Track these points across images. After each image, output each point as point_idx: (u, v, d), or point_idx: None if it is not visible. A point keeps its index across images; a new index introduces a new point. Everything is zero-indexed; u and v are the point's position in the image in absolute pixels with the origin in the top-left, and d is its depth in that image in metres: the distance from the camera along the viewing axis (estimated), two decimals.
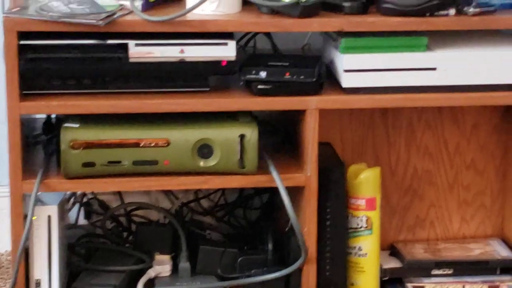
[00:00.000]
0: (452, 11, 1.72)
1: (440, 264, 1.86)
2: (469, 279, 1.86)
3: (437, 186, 1.96)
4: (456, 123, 1.95)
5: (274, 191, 1.85)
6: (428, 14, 1.71)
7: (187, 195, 2.04)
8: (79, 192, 2.00)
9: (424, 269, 1.86)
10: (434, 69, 1.73)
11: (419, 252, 1.91)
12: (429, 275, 1.86)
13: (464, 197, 1.97)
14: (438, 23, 1.71)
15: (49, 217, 1.74)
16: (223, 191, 2.04)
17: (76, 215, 2.02)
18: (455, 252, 1.92)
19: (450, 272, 1.87)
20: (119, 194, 2.02)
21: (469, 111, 1.94)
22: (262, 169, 1.72)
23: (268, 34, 1.89)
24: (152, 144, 1.69)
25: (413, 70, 1.73)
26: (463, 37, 1.81)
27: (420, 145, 1.95)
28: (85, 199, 2.02)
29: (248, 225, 2.03)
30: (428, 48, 1.74)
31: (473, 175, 1.97)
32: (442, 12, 1.72)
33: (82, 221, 2.03)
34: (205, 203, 2.04)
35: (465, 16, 1.72)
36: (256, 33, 1.91)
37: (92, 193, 2.02)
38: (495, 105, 1.89)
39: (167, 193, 2.03)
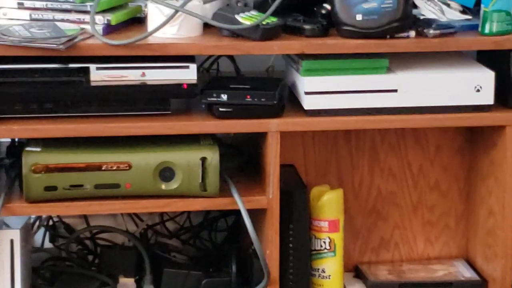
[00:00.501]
0: (412, 33, 1.73)
1: (404, 286, 1.86)
2: None
3: (401, 208, 1.97)
4: (419, 145, 1.95)
5: (239, 213, 1.86)
6: (388, 36, 1.72)
7: (152, 217, 2.04)
8: (44, 216, 1.99)
9: None
10: (395, 90, 1.74)
11: (383, 274, 1.91)
12: None
13: (429, 218, 1.98)
14: (398, 45, 1.72)
15: (11, 241, 1.73)
16: (189, 213, 2.03)
17: (41, 238, 2.01)
18: (419, 273, 1.92)
19: None
20: (84, 217, 2.01)
21: (432, 133, 1.95)
22: (224, 191, 1.72)
23: (231, 57, 1.90)
24: (114, 168, 1.69)
25: (374, 92, 1.74)
26: (424, 58, 1.82)
27: (384, 167, 1.95)
28: (50, 222, 2.01)
29: (213, 247, 2.02)
30: (389, 70, 1.75)
31: (437, 196, 1.97)
32: (402, 34, 1.73)
33: (47, 244, 2.02)
34: (170, 225, 2.04)
35: (425, 38, 1.73)
36: (219, 56, 1.91)
37: (58, 216, 2.01)
38: (458, 126, 1.90)
39: (132, 216, 2.03)
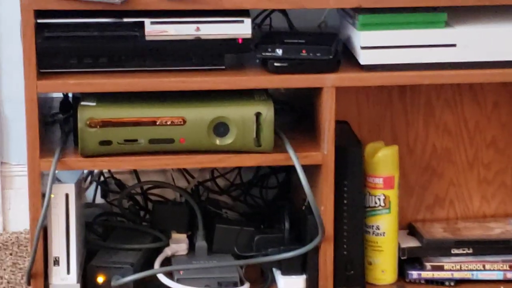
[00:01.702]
0: None
1: (459, 243, 1.85)
2: (489, 258, 1.84)
3: (457, 165, 1.95)
4: (476, 101, 1.93)
5: (291, 169, 1.85)
6: None
7: (203, 174, 2.03)
8: (96, 171, 2.00)
9: (443, 249, 1.85)
10: (454, 45, 1.71)
11: (438, 232, 1.90)
12: (449, 255, 1.85)
13: (485, 175, 1.95)
14: None
15: (66, 195, 1.74)
16: (239, 170, 2.03)
17: (93, 194, 2.02)
18: (475, 231, 1.90)
19: (470, 251, 1.85)
20: (135, 173, 2.02)
21: (490, 89, 1.92)
22: (278, 147, 1.71)
23: (284, 12, 1.88)
24: (168, 123, 1.69)
25: (432, 47, 1.71)
26: (483, 12, 1.79)
27: (439, 123, 1.93)
28: (102, 178, 2.02)
29: (264, 204, 2.02)
30: (447, 24, 1.72)
31: (494, 153, 1.94)
32: None
33: (99, 200, 2.03)
34: (221, 182, 2.04)
35: None
36: (272, 11, 1.89)
37: (109, 172, 2.02)
38: None
39: (183, 172, 2.03)
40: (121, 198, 1.95)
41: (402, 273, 1.84)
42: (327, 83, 1.69)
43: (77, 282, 1.75)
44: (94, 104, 1.69)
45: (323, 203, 1.73)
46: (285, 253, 1.74)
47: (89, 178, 2.00)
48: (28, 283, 1.71)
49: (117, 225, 1.93)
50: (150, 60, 1.70)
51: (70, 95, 1.88)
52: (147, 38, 1.67)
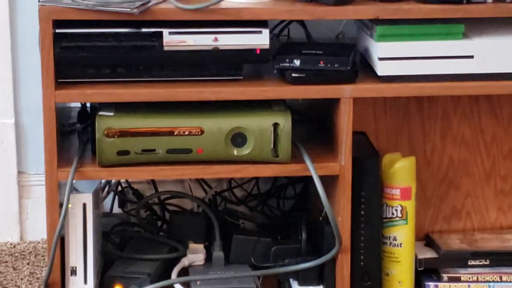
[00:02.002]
0: None
1: (476, 255, 1.84)
2: (506, 270, 1.84)
3: (474, 176, 1.94)
4: (493, 112, 1.92)
5: (308, 180, 1.85)
6: (465, 1, 1.69)
7: (220, 184, 2.04)
8: (113, 181, 2.00)
9: (460, 260, 1.84)
10: (471, 57, 1.71)
11: (455, 243, 1.89)
12: (466, 266, 1.84)
13: (501, 187, 1.95)
14: (474, 11, 1.69)
15: (84, 205, 1.75)
16: (257, 180, 2.03)
17: (110, 203, 2.03)
18: (492, 242, 1.89)
19: (486, 262, 1.84)
20: (153, 182, 2.02)
21: (507, 100, 1.92)
22: (295, 158, 1.72)
23: (302, 23, 1.88)
24: (186, 133, 1.69)
25: (449, 58, 1.71)
26: (501, 24, 1.79)
27: (456, 135, 1.93)
28: (119, 188, 2.03)
29: (281, 214, 2.02)
30: (464, 35, 1.72)
31: (511, 165, 1.94)
32: None
33: (116, 209, 2.03)
34: (238, 192, 2.04)
35: (502, 3, 1.70)
36: (290, 22, 1.90)
37: (127, 181, 2.03)
38: None
39: (201, 182, 2.03)
40: (138, 208, 1.95)
41: (419, 284, 1.84)
42: (345, 94, 1.69)
43: None
44: (112, 114, 1.70)
45: (340, 214, 1.73)
46: (302, 263, 1.74)
47: (106, 188, 2.01)
48: None
49: (135, 235, 1.93)
50: (168, 70, 1.70)
51: (88, 105, 1.89)
52: (165, 48, 1.68)
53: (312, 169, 1.70)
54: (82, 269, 1.75)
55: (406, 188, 1.79)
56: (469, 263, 1.84)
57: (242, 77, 1.72)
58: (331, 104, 1.75)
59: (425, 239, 1.93)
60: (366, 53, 1.78)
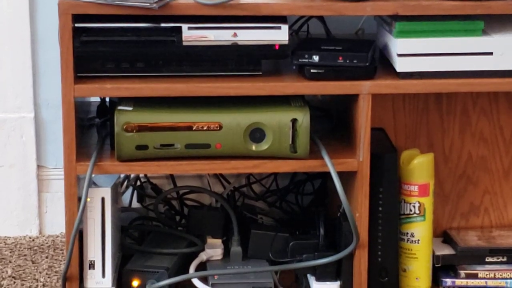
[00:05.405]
0: None
1: (494, 252, 1.84)
2: None
3: (492, 173, 1.94)
4: None
5: (326, 176, 1.85)
6: None
7: (239, 180, 2.04)
8: (132, 175, 2.01)
9: (477, 256, 1.84)
10: (490, 53, 1.71)
11: (472, 239, 1.89)
12: (483, 263, 1.84)
13: None
14: (494, 7, 1.68)
15: (102, 199, 1.75)
16: (275, 176, 2.03)
17: (129, 198, 2.04)
18: (509, 239, 1.89)
19: (504, 259, 1.84)
20: (171, 177, 2.03)
21: None
22: (314, 153, 1.72)
23: (321, 18, 1.88)
24: (205, 128, 1.70)
25: (468, 55, 1.70)
26: None
27: (475, 131, 1.92)
28: (138, 183, 2.03)
29: (299, 210, 2.02)
30: (484, 32, 1.72)
31: None
32: None
33: (135, 204, 2.04)
34: (257, 188, 2.04)
35: None
36: (309, 18, 1.90)
37: (145, 176, 2.03)
38: None
39: (219, 177, 2.04)
40: (157, 202, 1.96)
41: (436, 280, 1.84)
42: (363, 90, 1.69)
43: (112, 286, 1.76)
44: (131, 108, 1.70)
45: (358, 209, 1.73)
46: (320, 259, 1.74)
47: (125, 183, 2.01)
48: (64, 286, 1.73)
49: (153, 230, 1.94)
50: (187, 65, 1.71)
51: (107, 99, 1.90)
52: (184, 43, 1.68)
53: (330, 165, 1.70)
54: (100, 263, 1.76)
55: (424, 184, 1.78)
56: (486, 260, 1.84)
57: (261, 73, 1.72)
58: (350, 100, 1.75)
59: (443, 235, 1.92)
60: (385, 49, 1.78)
